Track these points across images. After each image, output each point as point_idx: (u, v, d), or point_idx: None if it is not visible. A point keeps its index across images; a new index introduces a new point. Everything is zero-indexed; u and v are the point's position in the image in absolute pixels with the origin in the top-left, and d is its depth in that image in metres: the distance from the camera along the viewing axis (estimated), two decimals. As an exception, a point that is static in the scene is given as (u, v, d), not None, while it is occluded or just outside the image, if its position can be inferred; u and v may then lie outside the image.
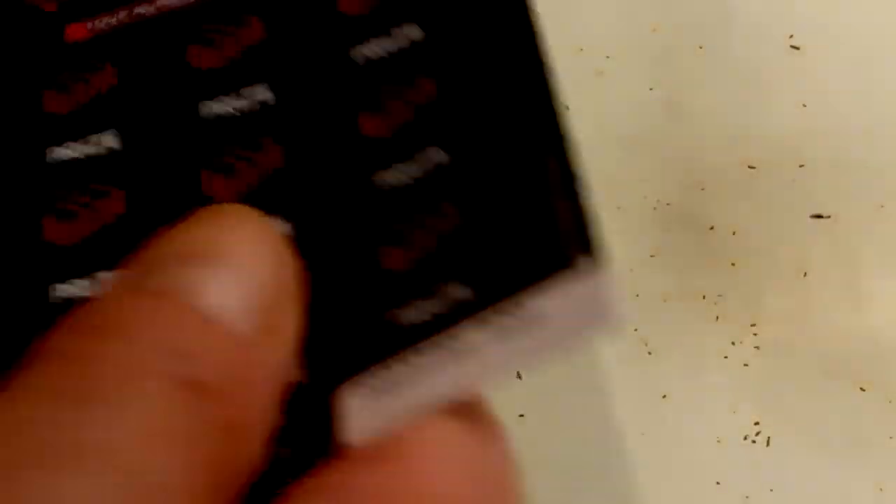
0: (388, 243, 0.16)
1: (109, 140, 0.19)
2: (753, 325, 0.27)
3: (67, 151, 0.19)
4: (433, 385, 0.15)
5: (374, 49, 0.19)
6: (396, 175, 0.17)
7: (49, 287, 0.18)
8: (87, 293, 0.18)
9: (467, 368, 0.14)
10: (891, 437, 0.25)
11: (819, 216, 0.28)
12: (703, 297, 0.27)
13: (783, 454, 0.25)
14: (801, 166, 0.29)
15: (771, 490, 0.24)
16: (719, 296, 0.27)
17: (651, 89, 0.31)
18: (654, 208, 0.28)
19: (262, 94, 0.19)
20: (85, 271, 0.18)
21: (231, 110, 0.19)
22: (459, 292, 0.15)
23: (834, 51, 0.32)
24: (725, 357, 0.26)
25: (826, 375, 0.26)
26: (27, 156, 0.19)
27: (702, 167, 0.29)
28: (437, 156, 0.17)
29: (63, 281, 0.18)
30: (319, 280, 0.16)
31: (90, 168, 0.19)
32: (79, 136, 0.19)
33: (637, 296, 0.27)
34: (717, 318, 0.27)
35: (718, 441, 0.25)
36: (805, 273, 0.27)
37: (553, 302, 0.15)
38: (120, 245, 0.18)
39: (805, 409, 0.25)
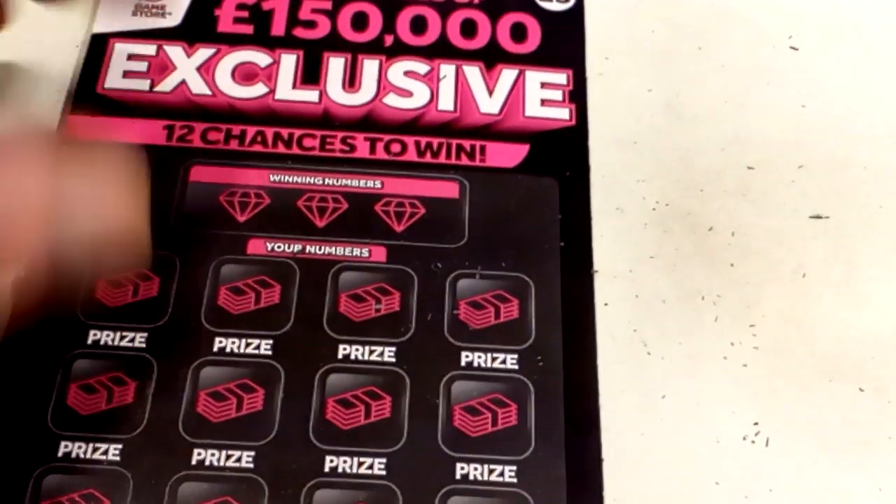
0: None
1: (265, 346, 0.25)
2: (752, 325, 0.27)
3: (227, 343, 0.25)
4: None
5: (480, 360, 0.25)
6: (473, 472, 0.23)
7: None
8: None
9: None
10: (890, 437, 0.25)
11: (818, 216, 0.28)
12: (703, 298, 0.27)
13: (782, 454, 0.25)
14: (799, 167, 0.29)
15: (770, 490, 0.24)
16: (718, 296, 0.27)
17: (650, 90, 0.31)
18: (654, 209, 0.28)
19: (388, 356, 0.25)
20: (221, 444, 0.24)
21: (359, 357, 0.25)
22: (507, 475, 0.24)
23: (833, 51, 0.32)
24: (724, 357, 0.26)
25: (825, 375, 0.26)
26: (198, 338, 0.25)
27: (701, 168, 0.29)
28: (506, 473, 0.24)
29: None
30: None
31: (242, 363, 0.24)
32: (242, 335, 0.25)
33: (637, 296, 0.27)
34: (717, 318, 0.27)
35: (718, 441, 0.25)
36: (804, 273, 0.27)
37: None
38: (253, 427, 0.24)
39: (804, 409, 0.25)
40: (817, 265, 0.27)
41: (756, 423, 0.25)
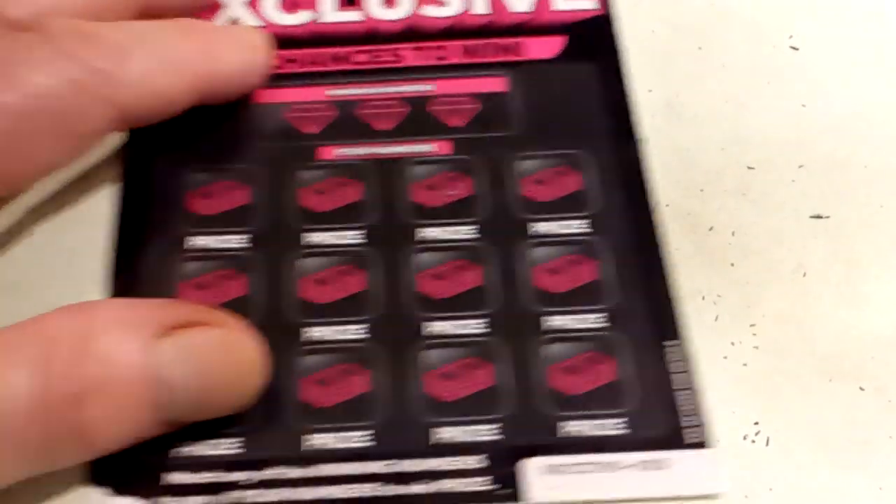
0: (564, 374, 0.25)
1: (357, 236, 0.27)
2: (753, 325, 0.27)
3: (322, 237, 0.27)
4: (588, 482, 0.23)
5: (554, 227, 0.27)
6: (563, 322, 0.26)
7: None
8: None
9: (611, 482, 0.23)
10: (891, 437, 0.25)
11: (818, 216, 0.28)
12: (703, 298, 0.27)
13: (783, 454, 0.25)
14: (800, 166, 0.29)
15: (770, 490, 0.24)
16: (718, 296, 0.27)
17: (651, 90, 0.31)
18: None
19: (468, 233, 0.27)
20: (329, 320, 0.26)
21: (442, 237, 0.27)
22: (614, 426, 0.24)
23: (833, 51, 0.32)
24: (725, 357, 0.26)
25: (825, 375, 0.26)
26: (293, 236, 0.27)
27: (701, 168, 0.29)
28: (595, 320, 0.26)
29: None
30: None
31: (338, 251, 0.27)
32: (332, 228, 0.27)
33: (636, 296, 0.27)
34: (717, 317, 0.27)
35: (718, 441, 0.25)
36: (804, 273, 0.27)
37: (674, 464, 0.24)
38: (358, 306, 0.26)
39: (804, 409, 0.25)
40: (817, 265, 0.27)
41: (756, 423, 0.25)
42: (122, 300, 0.24)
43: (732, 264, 0.27)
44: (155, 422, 0.22)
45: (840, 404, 0.25)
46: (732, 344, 0.26)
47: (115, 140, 0.29)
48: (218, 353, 0.22)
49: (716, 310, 0.27)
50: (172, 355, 0.22)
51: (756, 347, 0.26)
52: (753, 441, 0.25)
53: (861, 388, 0.26)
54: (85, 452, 0.22)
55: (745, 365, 0.26)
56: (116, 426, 0.21)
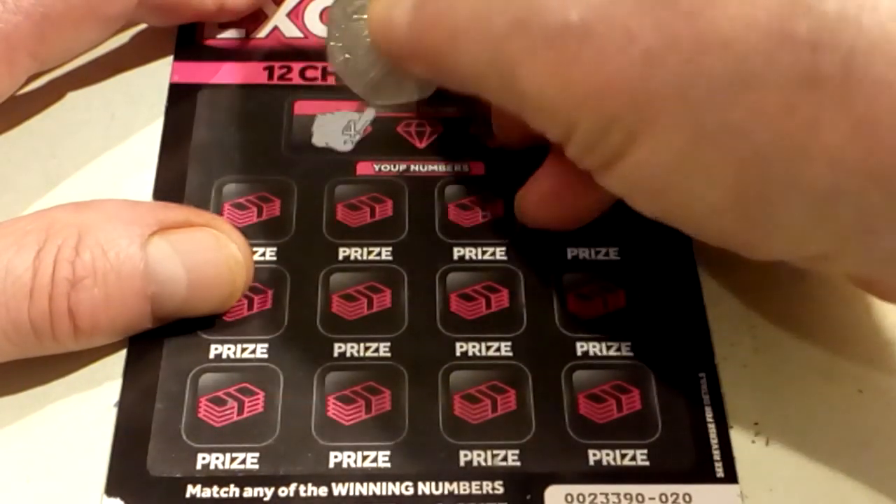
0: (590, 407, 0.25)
1: (387, 252, 0.27)
2: (753, 325, 0.27)
3: (351, 252, 0.27)
4: None
5: (584, 254, 0.27)
6: (592, 348, 0.26)
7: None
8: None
9: None
10: (890, 438, 0.25)
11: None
12: (703, 298, 0.27)
13: (783, 454, 0.25)
14: (799, 167, 0.29)
15: (770, 490, 0.24)
16: (719, 296, 0.27)
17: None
18: (654, 209, 0.28)
19: (499, 254, 0.27)
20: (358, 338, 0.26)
21: (473, 257, 0.27)
22: (639, 456, 0.24)
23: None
24: (725, 357, 0.26)
25: (825, 376, 0.26)
26: (323, 249, 0.27)
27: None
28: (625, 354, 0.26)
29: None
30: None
31: (367, 268, 0.27)
32: (364, 244, 0.27)
33: (637, 296, 0.27)
34: (717, 318, 0.27)
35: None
36: (804, 273, 0.27)
37: (698, 499, 0.23)
38: (385, 322, 0.26)
39: (804, 410, 0.25)
40: (817, 265, 0.27)
41: (756, 423, 0.25)
42: (123, 200, 0.25)
43: (732, 265, 0.27)
44: (146, 314, 0.24)
45: (840, 404, 0.25)
46: (732, 345, 0.26)
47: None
48: (207, 251, 0.24)
49: (716, 310, 0.27)
50: (165, 251, 0.24)
51: (756, 349, 0.26)
52: (753, 441, 0.25)
53: (860, 390, 0.26)
54: (76, 335, 0.23)
55: (744, 366, 0.26)
56: (107, 312, 0.23)
